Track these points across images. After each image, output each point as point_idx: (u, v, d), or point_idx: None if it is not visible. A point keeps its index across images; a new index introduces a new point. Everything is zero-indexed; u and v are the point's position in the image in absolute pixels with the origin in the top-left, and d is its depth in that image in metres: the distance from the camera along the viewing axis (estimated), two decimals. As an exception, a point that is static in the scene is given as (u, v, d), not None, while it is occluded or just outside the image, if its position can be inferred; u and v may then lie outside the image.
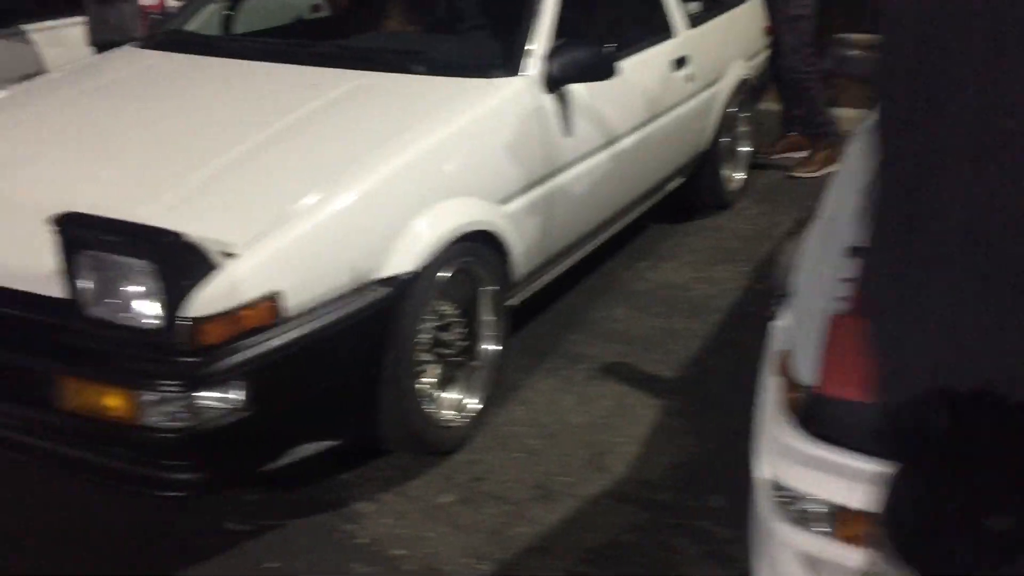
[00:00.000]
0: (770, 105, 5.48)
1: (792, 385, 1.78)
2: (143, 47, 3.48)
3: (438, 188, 2.57)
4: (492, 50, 3.12)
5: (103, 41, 4.48)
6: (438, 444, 2.68)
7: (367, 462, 2.67)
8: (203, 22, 3.69)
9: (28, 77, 4.80)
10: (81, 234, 2.04)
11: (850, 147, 2.56)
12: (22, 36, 4.77)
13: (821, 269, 1.99)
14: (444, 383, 2.73)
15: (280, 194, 2.32)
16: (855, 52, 3.04)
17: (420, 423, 2.56)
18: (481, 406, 2.82)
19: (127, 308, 2.06)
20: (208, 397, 2.04)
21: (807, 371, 1.73)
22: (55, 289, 2.11)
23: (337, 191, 2.34)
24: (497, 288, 2.84)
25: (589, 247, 3.60)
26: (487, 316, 2.84)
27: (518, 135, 2.88)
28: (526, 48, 3.02)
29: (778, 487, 1.75)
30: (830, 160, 5.31)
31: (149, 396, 2.02)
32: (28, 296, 2.14)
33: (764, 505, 1.80)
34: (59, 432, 2.15)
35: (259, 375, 2.10)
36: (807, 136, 5.41)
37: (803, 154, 5.42)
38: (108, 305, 2.06)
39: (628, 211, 3.83)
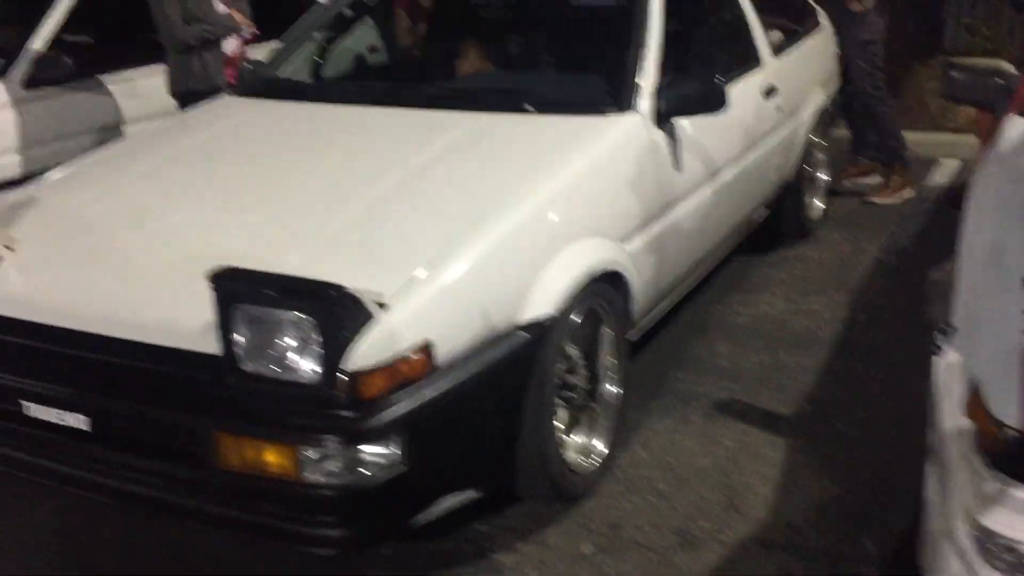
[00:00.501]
0: (839, 132, 5.44)
1: (988, 426, 1.72)
2: (240, 95, 3.48)
3: (569, 229, 2.53)
4: (601, 86, 3.09)
5: (185, 90, 4.50)
6: (570, 490, 2.62)
7: (500, 511, 2.61)
8: (294, 69, 3.69)
9: (107, 128, 4.86)
10: (237, 288, 2.01)
11: (992, 174, 2.49)
12: (100, 87, 4.80)
13: (997, 301, 1.93)
14: (570, 427, 2.68)
15: (421, 241, 2.29)
16: (968, 75, 2.99)
17: (557, 468, 2.51)
18: (607, 450, 2.76)
19: (283, 362, 2.02)
20: (369, 452, 1.99)
21: (1007, 410, 1.66)
22: (206, 344, 2.07)
23: (477, 237, 2.30)
24: (619, 328, 2.79)
25: (693, 282, 3.55)
26: (609, 357, 2.79)
27: (635, 172, 2.84)
28: (636, 83, 2.99)
29: (986, 535, 1.68)
30: (905, 185, 5.25)
31: (310, 452, 1.97)
32: (178, 352, 2.11)
33: (967, 555, 1.72)
34: (211, 489, 2.11)
35: (416, 428, 2.05)
36: (879, 162, 5.35)
37: (874, 180, 5.36)
38: (263, 359, 2.03)
39: (727, 243, 3.78)
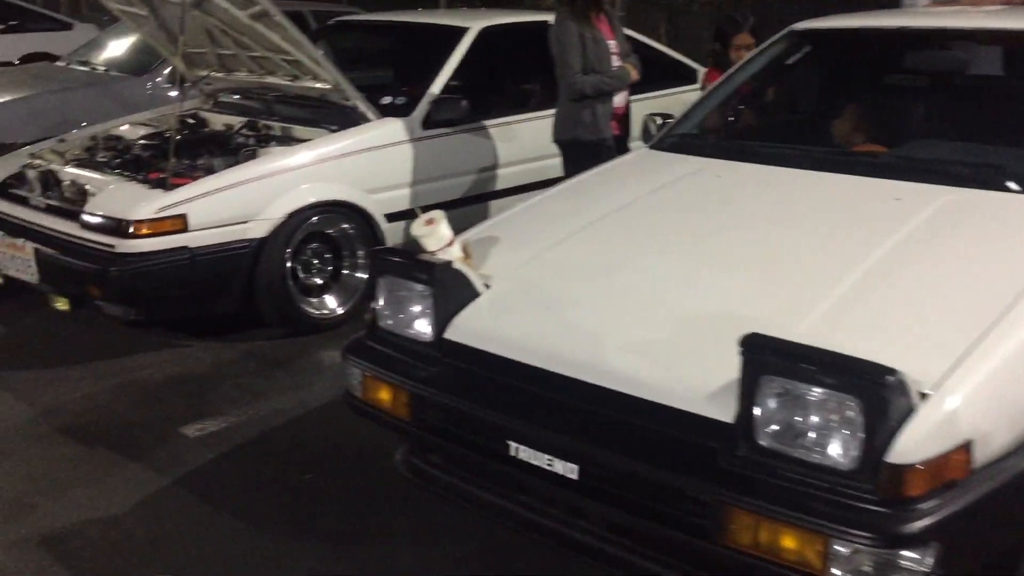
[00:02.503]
0: None
1: None
2: (656, 148, 3.45)
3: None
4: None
5: (571, 139, 4.58)
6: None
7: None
8: (713, 126, 3.62)
9: (486, 169, 5.05)
10: (769, 360, 1.91)
11: None
12: (482, 130, 5.00)
13: None
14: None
15: (944, 325, 2.09)
16: None
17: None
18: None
19: (811, 443, 1.88)
20: (904, 556, 1.81)
21: None
22: (718, 411, 1.98)
23: (1008, 327, 2.07)
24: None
25: None
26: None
27: None
28: None
29: None
30: None
31: (839, 545, 1.81)
32: (685, 415, 2.03)
33: None
34: (710, 563, 2.01)
35: (952, 535, 1.84)
36: None
37: None
38: (786, 436, 1.90)
39: None
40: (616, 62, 4.50)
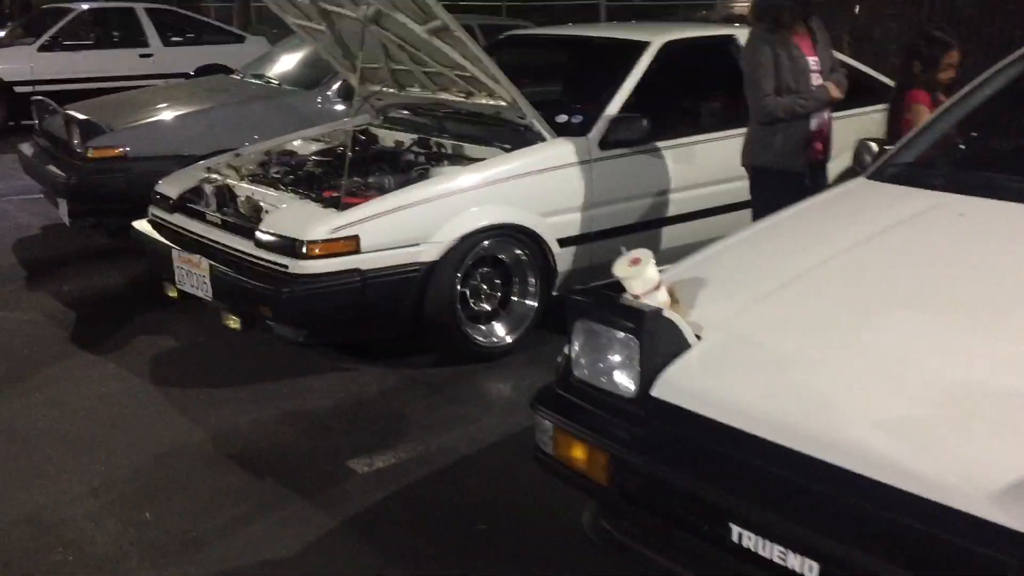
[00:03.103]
0: None
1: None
2: (875, 179, 3.06)
3: None
4: None
5: (759, 165, 4.24)
6: None
7: None
8: (939, 155, 3.21)
9: (660, 193, 4.75)
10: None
11: None
12: (658, 152, 4.70)
13: None
14: None
15: None
16: None
17: None
18: None
19: None
20: None
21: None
22: (1005, 515, 1.62)
23: None
24: None
25: None
26: None
27: None
28: None
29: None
30: None
31: None
32: (962, 516, 1.68)
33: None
34: None
35: None
36: None
37: None
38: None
39: None
40: (816, 80, 4.12)
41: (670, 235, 4.83)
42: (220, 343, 4.44)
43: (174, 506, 3.09)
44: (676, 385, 2.18)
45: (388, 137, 5.15)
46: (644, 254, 2.34)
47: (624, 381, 2.26)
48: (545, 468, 2.43)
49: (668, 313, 2.24)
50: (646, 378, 2.21)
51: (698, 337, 2.27)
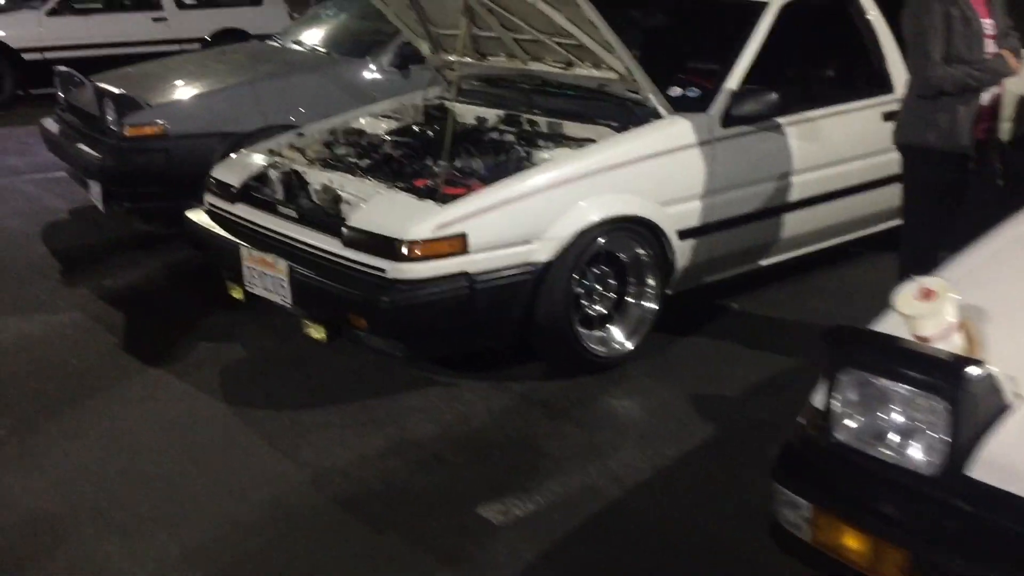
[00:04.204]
0: None
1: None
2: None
3: None
4: None
5: (921, 143, 3.67)
6: None
7: None
8: None
9: (784, 176, 4.21)
10: None
11: None
12: (781, 129, 4.14)
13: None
14: None
15: None
16: None
17: None
18: None
19: None
20: None
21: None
22: None
23: None
24: None
25: None
26: None
27: None
28: None
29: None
30: None
31: None
32: None
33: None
34: None
35: None
36: None
37: None
38: None
39: None
40: (991, 47, 3.55)
41: (797, 222, 4.30)
42: (299, 354, 3.89)
43: (295, 565, 2.59)
44: (1002, 463, 1.66)
45: (468, 113, 4.58)
46: (939, 285, 1.81)
47: (921, 454, 1.74)
48: (794, 554, 1.92)
49: (990, 368, 1.71)
50: (958, 452, 1.69)
51: (1019, 395, 1.74)
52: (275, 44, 6.63)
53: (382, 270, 3.33)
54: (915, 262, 3.84)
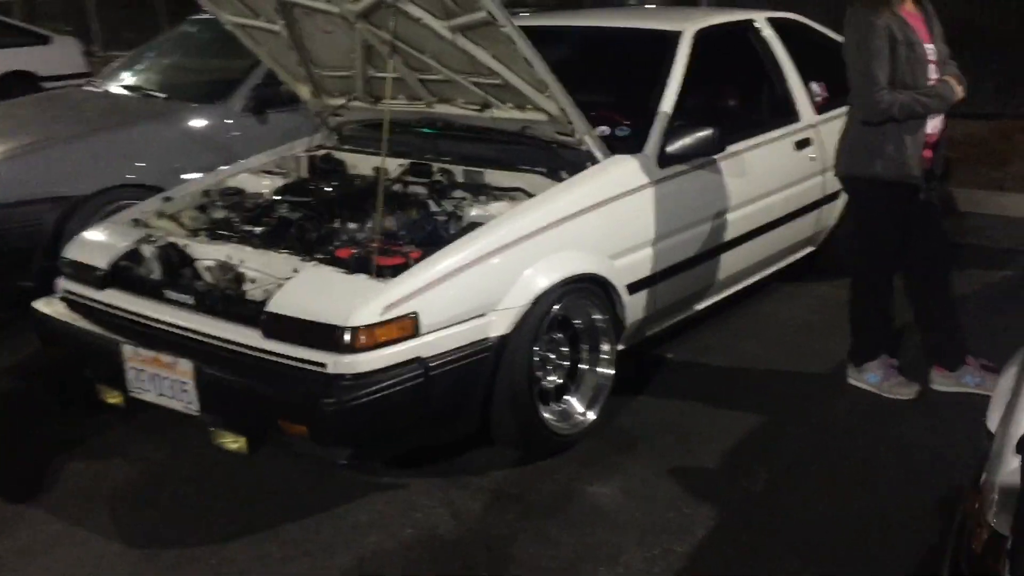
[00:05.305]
0: None
1: None
2: None
3: None
4: None
5: (866, 175, 3.46)
6: None
7: None
8: None
9: (718, 216, 3.94)
10: None
11: None
12: (716, 163, 3.88)
13: None
14: None
15: None
16: None
17: None
18: None
19: None
20: None
21: None
22: None
23: None
24: None
25: None
26: None
27: None
28: None
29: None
30: None
31: None
32: None
33: None
34: None
35: None
36: None
37: None
38: None
39: None
40: (934, 73, 3.42)
41: (732, 261, 4.05)
42: (202, 467, 3.21)
43: None
44: None
45: (362, 164, 4.05)
46: None
47: None
48: None
49: None
50: None
51: None
52: (95, 89, 5.78)
53: (321, 364, 2.76)
54: (866, 295, 3.70)
